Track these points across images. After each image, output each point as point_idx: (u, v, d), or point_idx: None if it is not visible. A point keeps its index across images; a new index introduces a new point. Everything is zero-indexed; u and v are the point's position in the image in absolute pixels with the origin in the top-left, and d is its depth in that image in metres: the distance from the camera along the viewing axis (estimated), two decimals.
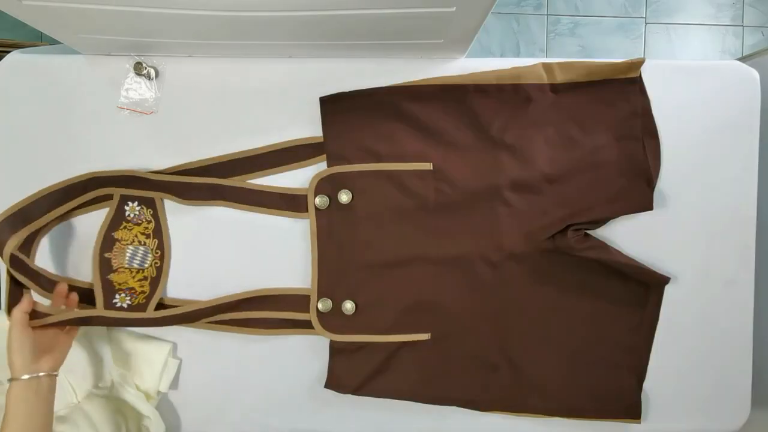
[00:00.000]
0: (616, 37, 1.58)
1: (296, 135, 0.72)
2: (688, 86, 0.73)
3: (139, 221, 0.70)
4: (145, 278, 0.70)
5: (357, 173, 0.70)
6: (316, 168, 0.72)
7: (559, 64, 0.70)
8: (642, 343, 0.73)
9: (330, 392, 0.72)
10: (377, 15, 0.56)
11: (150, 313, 0.69)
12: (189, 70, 0.71)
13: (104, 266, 0.70)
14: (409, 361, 0.72)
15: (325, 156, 0.71)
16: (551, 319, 0.72)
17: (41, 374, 0.58)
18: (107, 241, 0.70)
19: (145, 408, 0.68)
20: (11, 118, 0.71)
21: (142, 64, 0.69)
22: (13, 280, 0.64)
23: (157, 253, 0.70)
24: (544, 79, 0.70)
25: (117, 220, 0.70)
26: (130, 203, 0.70)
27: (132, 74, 0.70)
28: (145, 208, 0.70)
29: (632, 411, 0.73)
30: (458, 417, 0.75)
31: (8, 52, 0.71)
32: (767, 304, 0.77)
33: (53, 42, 0.68)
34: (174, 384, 0.73)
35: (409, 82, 0.70)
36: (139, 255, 0.70)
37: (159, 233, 0.71)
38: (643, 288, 0.72)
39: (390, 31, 0.62)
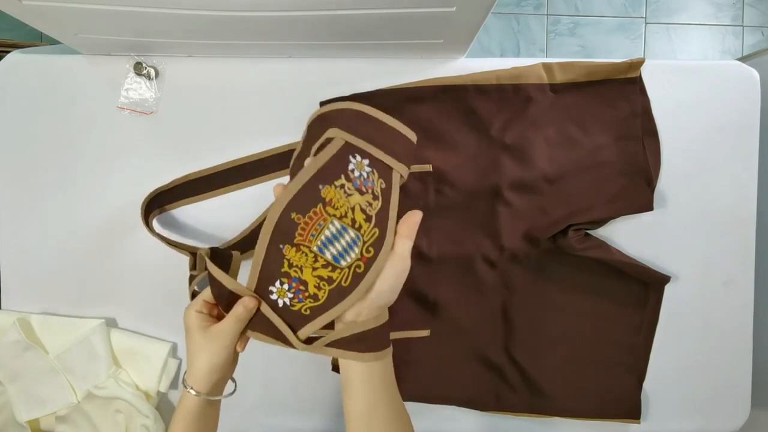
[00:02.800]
0: (616, 37, 1.58)
1: (296, 135, 0.72)
2: (688, 86, 0.73)
3: (365, 189, 0.44)
4: (331, 281, 0.44)
5: None
6: None
7: (559, 64, 0.70)
8: (642, 343, 0.73)
9: (330, 392, 0.72)
10: (377, 15, 0.56)
11: (297, 341, 0.46)
12: (189, 70, 0.71)
13: (284, 229, 0.43)
14: (408, 360, 0.72)
15: None
16: (551, 318, 0.72)
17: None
18: (306, 194, 0.43)
19: (145, 408, 0.68)
20: (11, 118, 0.71)
21: (142, 64, 0.69)
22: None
23: (368, 251, 0.44)
24: (544, 79, 0.70)
25: (334, 168, 0.43)
26: (358, 156, 0.44)
27: (132, 74, 0.70)
28: (376, 174, 0.45)
29: (632, 411, 0.73)
30: (458, 417, 0.75)
31: (8, 52, 0.71)
32: (767, 304, 0.77)
33: (53, 42, 0.68)
34: (174, 384, 0.73)
35: (408, 83, 0.70)
36: (343, 242, 0.43)
37: (383, 222, 0.45)
38: (644, 288, 0.72)
39: (390, 32, 0.62)
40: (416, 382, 0.72)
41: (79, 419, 0.70)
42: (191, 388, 0.49)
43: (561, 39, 1.57)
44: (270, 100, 0.72)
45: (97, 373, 0.69)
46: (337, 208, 0.43)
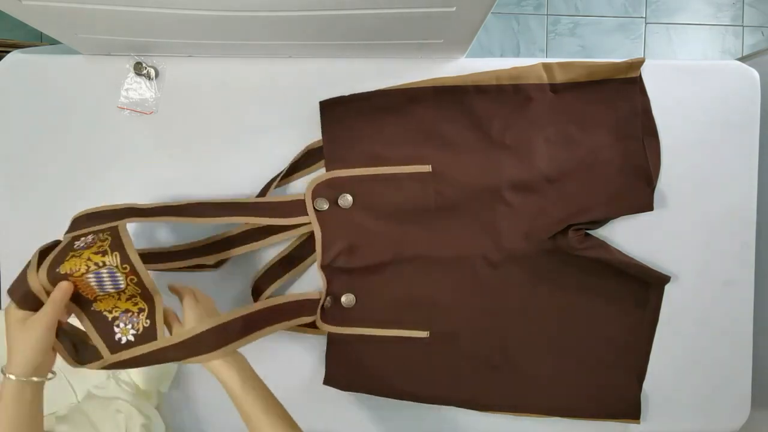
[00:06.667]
0: (616, 37, 1.58)
1: (295, 135, 0.71)
2: (688, 86, 0.73)
3: (90, 244, 0.55)
4: (134, 296, 0.56)
5: (356, 177, 0.69)
6: (318, 174, 0.72)
7: (559, 64, 0.70)
8: (642, 343, 0.73)
9: (329, 392, 0.72)
10: (377, 15, 0.56)
11: (165, 339, 0.55)
12: (189, 70, 0.71)
13: (83, 302, 0.55)
14: (408, 359, 0.72)
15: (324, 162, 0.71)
16: (551, 318, 0.72)
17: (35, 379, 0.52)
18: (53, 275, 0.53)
19: (145, 408, 0.68)
20: (11, 118, 0.71)
21: (142, 64, 0.69)
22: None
23: (124, 268, 0.53)
24: (544, 79, 0.70)
25: (59, 256, 0.54)
26: (82, 238, 0.56)
27: (132, 74, 0.70)
28: (101, 234, 0.56)
29: (632, 411, 0.73)
30: (458, 417, 0.75)
31: (8, 52, 0.71)
32: (767, 304, 0.77)
33: (53, 42, 0.68)
34: (174, 384, 0.73)
35: (408, 84, 0.70)
36: (106, 277, 0.53)
37: (119, 247, 0.53)
38: (644, 288, 0.72)
39: (390, 31, 0.62)
40: (416, 382, 0.72)
41: (79, 419, 0.70)
42: (10, 374, 0.50)
43: (561, 39, 1.57)
44: (270, 100, 0.71)
45: (97, 373, 0.69)
46: (77, 269, 0.52)
